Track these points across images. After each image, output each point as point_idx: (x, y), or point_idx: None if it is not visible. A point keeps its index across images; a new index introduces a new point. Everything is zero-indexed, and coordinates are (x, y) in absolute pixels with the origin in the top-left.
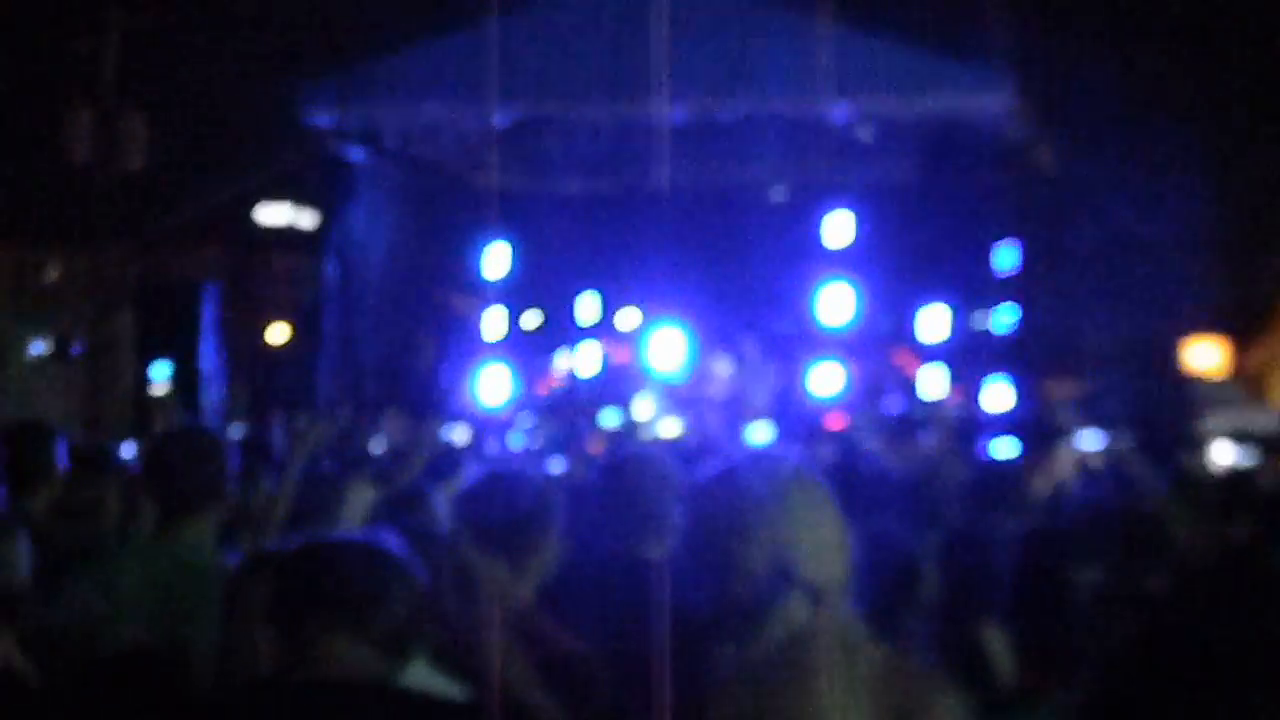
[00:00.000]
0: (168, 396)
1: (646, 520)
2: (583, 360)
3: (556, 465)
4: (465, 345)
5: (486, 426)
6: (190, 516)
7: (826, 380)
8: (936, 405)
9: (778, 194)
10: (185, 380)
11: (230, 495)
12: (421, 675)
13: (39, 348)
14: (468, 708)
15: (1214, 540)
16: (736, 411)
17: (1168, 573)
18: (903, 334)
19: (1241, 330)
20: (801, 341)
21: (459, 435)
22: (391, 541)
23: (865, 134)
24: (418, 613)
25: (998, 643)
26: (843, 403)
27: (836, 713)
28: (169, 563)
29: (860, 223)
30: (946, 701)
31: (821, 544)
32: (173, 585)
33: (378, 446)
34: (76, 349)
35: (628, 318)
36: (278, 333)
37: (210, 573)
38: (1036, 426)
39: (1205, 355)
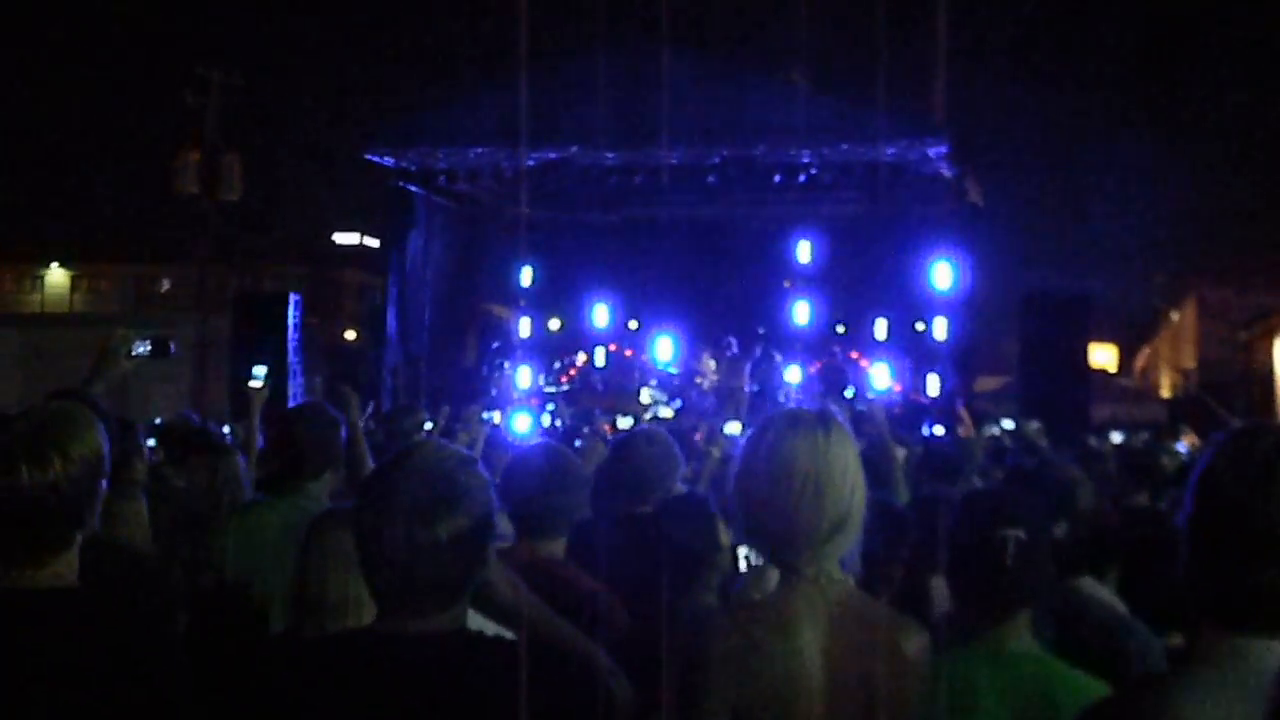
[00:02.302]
0: (261, 390)
1: (646, 485)
2: (596, 357)
3: (577, 441)
4: (501, 344)
5: (518, 410)
6: (311, 480)
7: (795, 373)
8: (883, 394)
9: (755, 223)
10: (275, 374)
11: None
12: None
13: (142, 347)
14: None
15: (1112, 503)
16: (721, 398)
17: (1076, 528)
18: (857, 337)
19: (1131, 337)
20: (774, 342)
21: (495, 418)
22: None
23: (825, 175)
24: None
25: (941, 590)
26: (808, 391)
27: (809, 651)
28: (298, 516)
29: (820, 247)
30: (912, 642)
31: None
32: (298, 534)
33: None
34: (174, 349)
35: (632, 323)
36: (348, 334)
37: None
38: (968, 413)
39: (1101, 357)
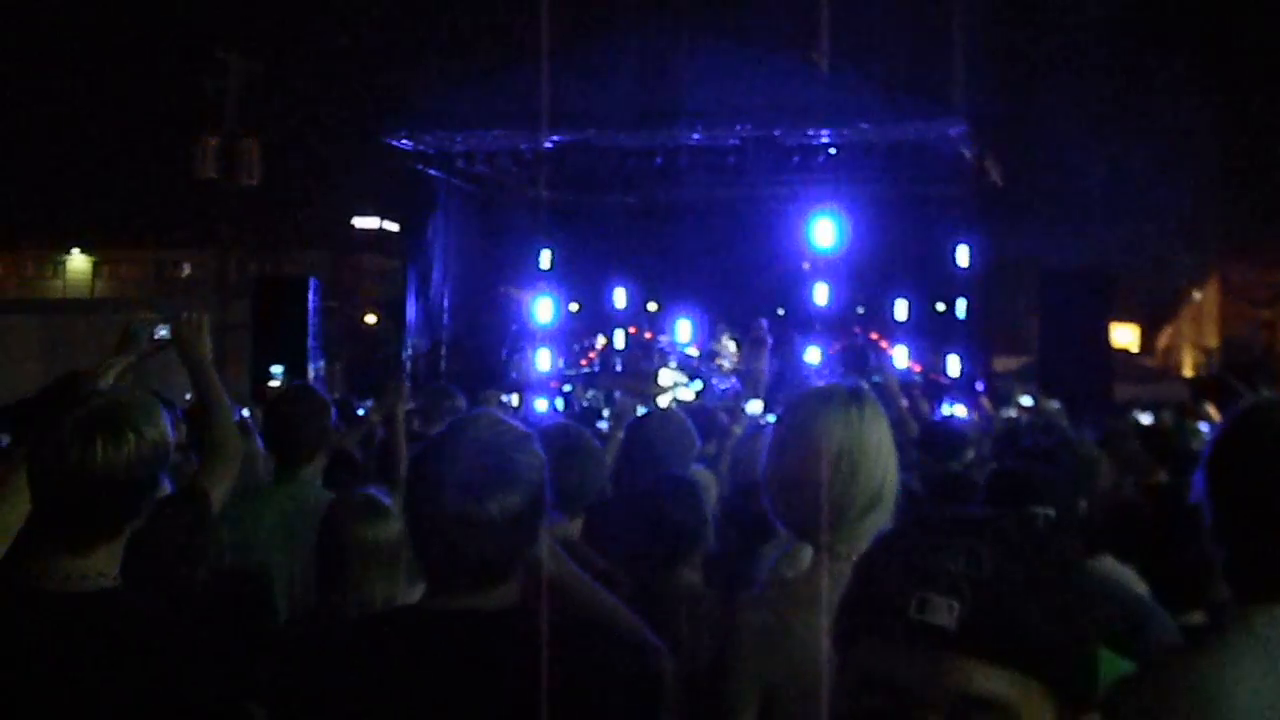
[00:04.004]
0: (280, 388)
1: (663, 466)
2: (615, 340)
3: (603, 424)
4: (520, 327)
5: (538, 393)
6: (304, 464)
7: (815, 354)
8: (902, 374)
9: (774, 204)
10: (294, 357)
11: (332, 445)
12: None
13: (162, 331)
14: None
15: (1135, 482)
16: (741, 380)
17: (1095, 507)
18: (877, 318)
19: (1153, 316)
20: (795, 323)
21: (515, 400)
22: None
23: (845, 155)
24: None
25: None
26: (828, 372)
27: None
28: (291, 504)
29: (840, 228)
30: None
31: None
32: (293, 521)
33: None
34: None
35: (652, 305)
36: (369, 318)
37: (321, 510)
38: (987, 392)
39: (1123, 337)
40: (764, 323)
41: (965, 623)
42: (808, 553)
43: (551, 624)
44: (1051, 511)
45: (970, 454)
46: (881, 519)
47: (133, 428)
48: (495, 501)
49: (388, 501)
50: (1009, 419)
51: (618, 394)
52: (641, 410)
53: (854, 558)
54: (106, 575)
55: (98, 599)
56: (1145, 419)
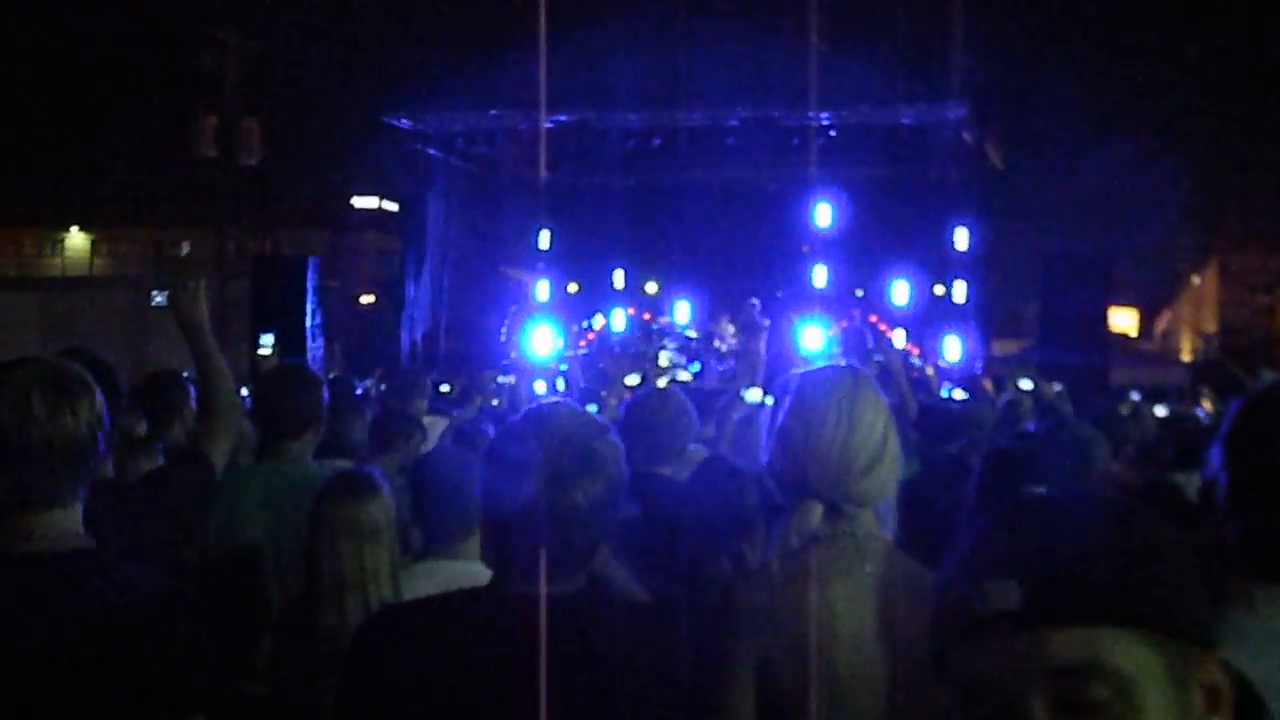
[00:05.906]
0: (269, 358)
1: (661, 445)
2: (614, 321)
3: (593, 407)
4: (519, 308)
5: (535, 374)
6: (292, 440)
7: (813, 337)
8: (901, 358)
9: (774, 186)
10: (292, 336)
11: (324, 423)
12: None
13: (160, 297)
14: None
15: (1131, 465)
16: (740, 361)
17: (1092, 488)
18: (876, 300)
19: (1152, 301)
20: (793, 306)
21: (513, 382)
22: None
23: (845, 137)
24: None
25: None
26: (826, 355)
27: (840, 608)
28: (279, 480)
29: (839, 210)
30: None
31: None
32: (281, 498)
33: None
34: None
35: (651, 287)
36: (366, 298)
37: (310, 487)
38: (985, 375)
39: (1122, 321)
40: (755, 302)
41: (1030, 597)
42: (818, 510)
43: (615, 608)
44: (1046, 491)
45: (968, 435)
46: (887, 480)
47: (79, 384)
48: (581, 491)
49: (383, 481)
50: (1010, 401)
51: (613, 371)
52: (633, 380)
53: (858, 532)
54: (76, 535)
55: (73, 557)
56: (1160, 411)
